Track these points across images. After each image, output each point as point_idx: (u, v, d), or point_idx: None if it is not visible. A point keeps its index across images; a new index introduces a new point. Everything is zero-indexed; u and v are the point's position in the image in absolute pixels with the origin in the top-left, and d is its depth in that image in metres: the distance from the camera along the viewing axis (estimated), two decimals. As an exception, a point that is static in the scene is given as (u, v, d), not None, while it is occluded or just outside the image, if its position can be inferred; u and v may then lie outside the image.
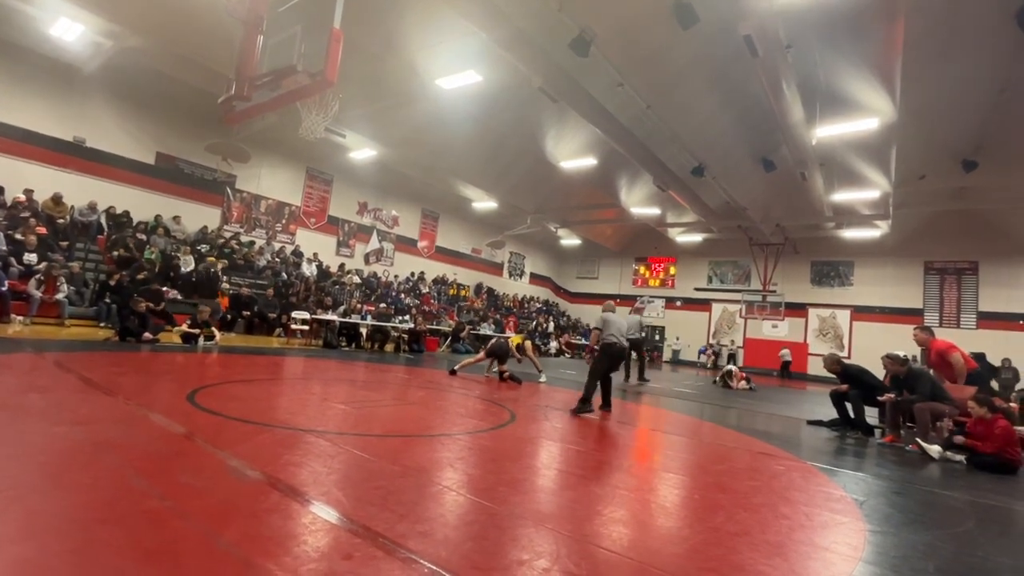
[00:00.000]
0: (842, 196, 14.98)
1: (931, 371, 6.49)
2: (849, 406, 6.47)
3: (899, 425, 6.09)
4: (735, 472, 3.90)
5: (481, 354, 8.50)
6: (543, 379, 8.81)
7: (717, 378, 12.50)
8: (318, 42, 5.01)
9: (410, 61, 10.15)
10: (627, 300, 26.14)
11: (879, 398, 6.18)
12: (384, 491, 2.55)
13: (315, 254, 16.29)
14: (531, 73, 9.16)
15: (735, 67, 9.82)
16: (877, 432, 6.31)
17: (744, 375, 12.25)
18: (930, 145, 12.10)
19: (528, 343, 8.94)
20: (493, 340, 8.73)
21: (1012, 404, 6.32)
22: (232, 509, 2.16)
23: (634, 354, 10.44)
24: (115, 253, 11.19)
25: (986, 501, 3.75)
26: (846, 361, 7.18)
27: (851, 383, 6.52)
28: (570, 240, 24.26)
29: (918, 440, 5.39)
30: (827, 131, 10.88)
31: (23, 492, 2.11)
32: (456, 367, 8.20)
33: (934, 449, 5.15)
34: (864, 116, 10.40)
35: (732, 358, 22.14)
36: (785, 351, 20.63)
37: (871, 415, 6.44)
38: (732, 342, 22.85)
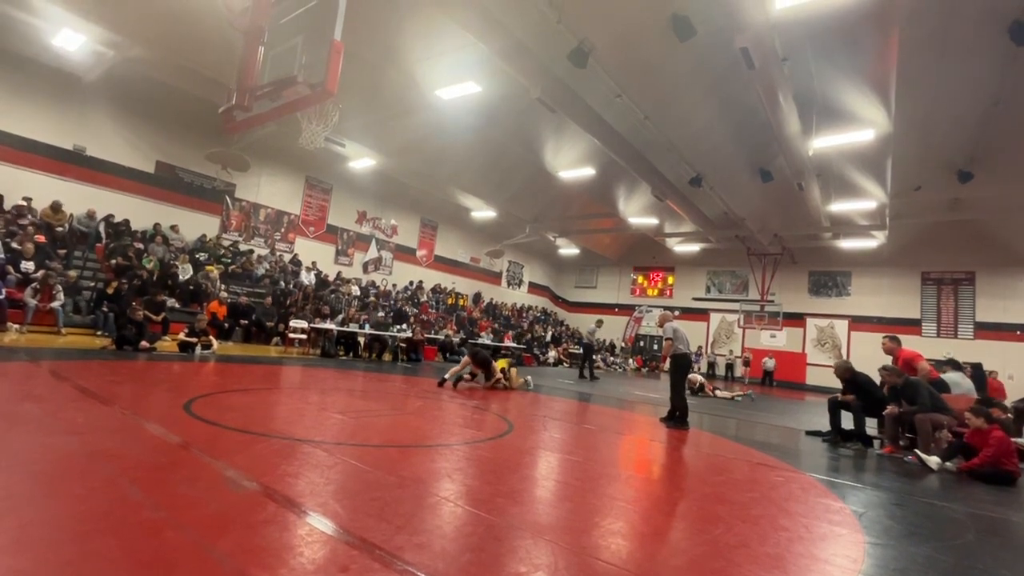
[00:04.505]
0: (839, 207, 15.09)
1: None
2: (849, 416, 6.44)
3: (898, 436, 6.08)
4: (734, 483, 3.89)
5: (467, 358, 8.68)
6: (530, 386, 9.17)
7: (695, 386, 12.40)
8: (319, 53, 5.07)
9: (410, 72, 10.25)
10: (626, 310, 26.14)
11: (884, 412, 6.15)
12: (381, 502, 2.54)
13: (313, 263, 16.29)
14: (530, 84, 9.24)
15: (732, 79, 9.93)
16: (876, 443, 6.30)
17: (714, 387, 12.23)
18: (925, 156, 12.21)
19: (513, 370, 9.07)
20: (476, 350, 9.12)
21: (1008, 415, 6.30)
22: (228, 520, 2.14)
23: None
24: (113, 261, 11.17)
25: (985, 513, 3.74)
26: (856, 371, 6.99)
27: (857, 393, 6.48)
28: (568, 249, 24.33)
29: (917, 451, 5.39)
30: (823, 142, 10.98)
31: (17, 503, 2.09)
32: (446, 376, 8.13)
33: (933, 460, 5.14)
34: (860, 127, 10.52)
35: (730, 368, 22.13)
36: (767, 360, 20.83)
37: (870, 426, 6.42)
38: (730, 352, 22.81)
